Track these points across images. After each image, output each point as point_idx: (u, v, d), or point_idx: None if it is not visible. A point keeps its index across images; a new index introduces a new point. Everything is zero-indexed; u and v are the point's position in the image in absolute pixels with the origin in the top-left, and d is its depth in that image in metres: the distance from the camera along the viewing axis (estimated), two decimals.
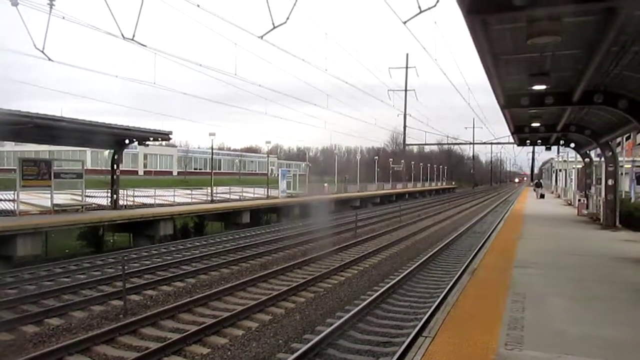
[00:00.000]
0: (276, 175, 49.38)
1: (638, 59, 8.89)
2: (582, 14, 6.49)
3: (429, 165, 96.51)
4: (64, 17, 13.86)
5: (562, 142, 25.06)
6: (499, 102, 12.75)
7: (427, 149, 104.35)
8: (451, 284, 13.04)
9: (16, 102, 49.70)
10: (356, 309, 10.80)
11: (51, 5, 13.02)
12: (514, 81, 11.04)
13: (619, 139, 33.25)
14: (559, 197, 45.63)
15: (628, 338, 5.88)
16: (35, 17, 12.84)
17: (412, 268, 15.73)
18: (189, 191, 37.45)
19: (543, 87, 11.06)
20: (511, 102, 12.61)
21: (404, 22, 11.84)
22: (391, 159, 79.59)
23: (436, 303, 11.14)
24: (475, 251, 17.42)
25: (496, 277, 9.28)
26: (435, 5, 10.91)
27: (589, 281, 9.06)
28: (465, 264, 15.85)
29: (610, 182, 18.10)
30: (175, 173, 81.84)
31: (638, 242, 14.10)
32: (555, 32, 6.62)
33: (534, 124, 18.37)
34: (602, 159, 19.35)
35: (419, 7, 10.94)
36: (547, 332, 5.94)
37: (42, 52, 13.41)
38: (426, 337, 5.70)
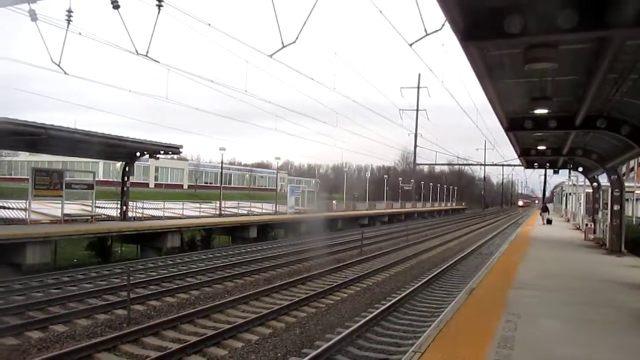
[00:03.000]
0: (286, 191, 49.57)
1: (637, 86, 9.04)
2: (577, 42, 6.69)
3: (438, 185, 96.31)
4: (80, 33, 14.27)
5: (570, 165, 25.07)
6: (502, 125, 12.92)
7: (437, 169, 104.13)
8: (452, 303, 13.09)
9: (32, 114, 50.63)
10: (356, 325, 10.91)
11: (69, 22, 13.41)
12: (516, 104, 11.22)
13: (632, 164, 33.13)
14: (568, 221, 45.36)
15: None
16: (53, 33, 13.24)
17: (415, 287, 15.79)
18: (198, 204, 37.80)
19: (545, 110, 11.22)
20: (514, 125, 12.78)
21: (410, 45, 12.08)
22: (401, 178, 79.61)
23: (436, 322, 11.21)
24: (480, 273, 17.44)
25: (493, 297, 9.37)
26: (440, 29, 11.15)
27: (586, 305, 9.12)
28: (469, 285, 15.88)
29: (616, 207, 18.08)
30: (185, 186, 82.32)
31: None
32: (552, 58, 6.80)
33: (540, 147, 18.47)
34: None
35: (425, 30, 11.19)
36: (535, 352, 6.04)
37: (59, 65, 13.78)
38: (416, 352, 5.83)
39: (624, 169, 28.28)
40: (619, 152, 16.31)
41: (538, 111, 11.21)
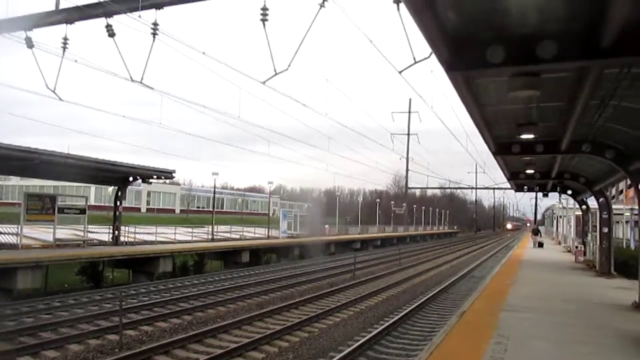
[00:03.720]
0: (278, 215, 49.62)
1: (619, 112, 9.32)
2: (558, 70, 6.94)
3: (430, 209, 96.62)
4: (76, 61, 14.47)
5: (559, 188, 25.39)
6: (490, 149, 13.18)
7: (429, 192, 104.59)
8: (444, 327, 13.16)
9: (25, 138, 50.71)
10: (349, 349, 10.95)
11: (64, 49, 13.64)
12: (503, 129, 11.48)
13: (621, 187, 33.52)
14: (559, 243, 45.62)
15: None
16: (49, 60, 13.45)
17: (407, 311, 15.82)
18: (190, 229, 37.74)
19: (532, 135, 11.50)
20: (502, 149, 13.05)
21: (400, 72, 12.37)
22: (393, 202, 79.86)
23: (427, 345, 11.27)
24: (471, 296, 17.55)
25: (484, 319, 9.48)
26: (429, 57, 11.44)
27: (575, 326, 9.25)
28: (460, 308, 15.96)
29: (604, 229, 18.31)
30: (178, 211, 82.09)
31: (630, 290, 14.16)
32: (535, 86, 7.02)
33: (528, 171, 18.75)
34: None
35: (414, 58, 11.48)
36: None
37: (54, 91, 13.95)
38: None
39: (613, 191, 28.62)
40: (606, 175, 16.61)
41: (524, 136, 11.49)
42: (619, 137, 11.40)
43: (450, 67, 5.95)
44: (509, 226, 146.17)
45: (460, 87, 7.12)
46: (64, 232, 24.59)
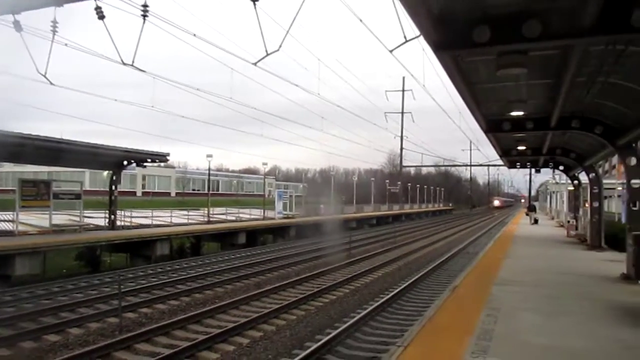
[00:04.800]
0: (274, 196, 49.78)
1: (607, 88, 9.46)
2: (544, 48, 7.05)
3: (425, 187, 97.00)
4: (66, 44, 14.40)
5: (550, 164, 25.64)
6: (481, 127, 13.32)
7: (424, 170, 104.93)
8: (436, 301, 13.41)
9: (18, 124, 50.43)
10: (344, 326, 11.17)
11: (54, 32, 13.57)
12: (493, 107, 11.62)
13: (613, 162, 33.82)
14: (552, 219, 46.09)
15: (588, 348, 6.32)
16: (39, 44, 13.37)
17: (402, 287, 16.09)
18: (186, 212, 37.86)
19: (521, 113, 11.65)
20: (493, 127, 13.20)
21: (391, 51, 12.42)
22: (388, 181, 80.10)
23: (419, 319, 11.51)
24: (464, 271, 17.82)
25: (475, 293, 9.71)
26: (419, 36, 11.50)
27: (564, 298, 9.49)
28: (453, 283, 16.23)
29: (595, 204, 18.58)
30: (173, 194, 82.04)
31: (619, 262, 14.44)
32: (522, 64, 7.13)
33: (520, 148, 18.95)
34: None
35: (405, 37, 11.53)
36: (513, 342, 6.37)
37: (45, 76, 13.91)
38: (399, 346, 6.13)
39: (606, 166, 28.88)
40: (596, 150, 16.82)
41: (514, 113, 11.64)
42: (608, 112, 11.56)
43: (438, 47, 6.06)
44: (496, 203, 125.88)
45: (449, 66, 7.22)
46: (60, 218, 24.64)
